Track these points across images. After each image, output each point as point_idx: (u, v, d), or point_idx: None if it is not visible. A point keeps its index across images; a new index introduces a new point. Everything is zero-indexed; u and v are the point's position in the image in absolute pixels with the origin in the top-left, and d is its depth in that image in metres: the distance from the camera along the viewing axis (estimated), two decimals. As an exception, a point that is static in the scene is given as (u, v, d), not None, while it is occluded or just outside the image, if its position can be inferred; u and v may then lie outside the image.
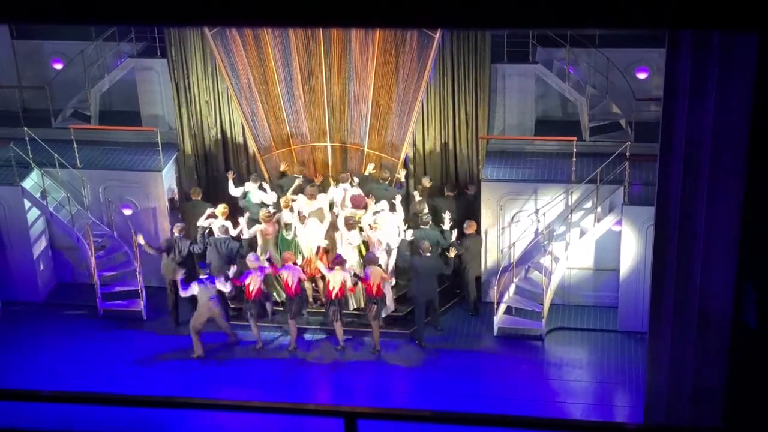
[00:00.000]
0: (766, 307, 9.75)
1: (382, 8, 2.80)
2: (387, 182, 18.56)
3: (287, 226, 17.92)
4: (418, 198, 18.49)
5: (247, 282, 17.04)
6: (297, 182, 18.59)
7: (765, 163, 9.65)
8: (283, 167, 19.01)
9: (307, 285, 17.81)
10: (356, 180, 18.60)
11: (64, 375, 16.99)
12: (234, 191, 18.81)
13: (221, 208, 18.06)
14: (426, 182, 18.68)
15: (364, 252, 17.69)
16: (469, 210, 18.42)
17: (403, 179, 18.87)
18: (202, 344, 17.45)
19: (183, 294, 17.20)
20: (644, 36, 18.04)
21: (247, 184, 18.65)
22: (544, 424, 4.54)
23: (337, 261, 17.07)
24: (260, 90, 18.73)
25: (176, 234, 17.84)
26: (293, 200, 18.07)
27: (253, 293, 17.11)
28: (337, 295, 17.03)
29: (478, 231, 18.08)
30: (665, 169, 11.64)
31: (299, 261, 17.66)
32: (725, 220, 10.62)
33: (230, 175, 18.99)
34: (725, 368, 10.65)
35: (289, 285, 17.08)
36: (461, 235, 17.91)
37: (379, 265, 17.07)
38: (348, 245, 17.59)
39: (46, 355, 17.75)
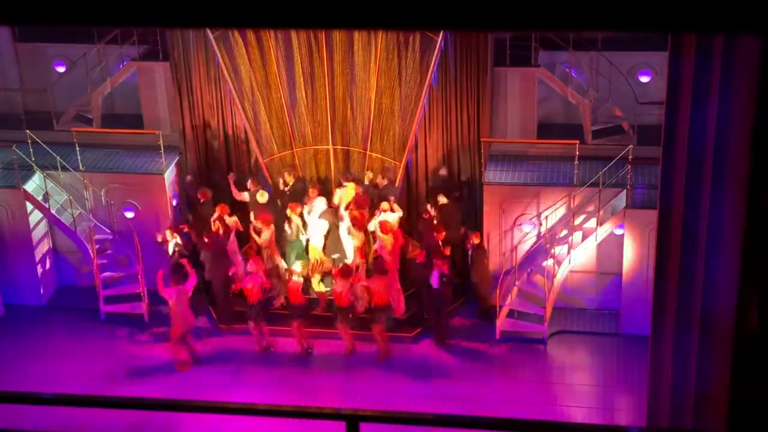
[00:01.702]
0: (769, 311, 9.72)
1: (384, 10, 2.80)
2: (390, 184, 18.58)
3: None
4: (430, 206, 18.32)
5: (249, 286, 17.04)
6: (297, 185, 18.61)
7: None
8: (287, 177, 18.82)
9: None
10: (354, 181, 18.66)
11: (65, 378, 16.98)
12: (237, 195, 18.78)
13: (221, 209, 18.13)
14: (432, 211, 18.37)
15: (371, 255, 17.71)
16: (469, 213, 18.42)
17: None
18: (189, 356, 17.28)
19: (160, 292, 16.68)
20: (647, 39, 18.03)
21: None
22: (546, 428, 4.53)
23: (343, 271, 16.99)
24: (262, 93, 18.72)
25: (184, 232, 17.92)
26: (299, 204, 18.10)
27: (255, 297, 17.12)
28: (343, 302, 16.98)
29: (480, 238, 17.85)
30: (668, 172, 11.62)
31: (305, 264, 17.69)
32: (728, 223, 10.59)
33: (231, 179, 18.94)
34: (728, 372, 10.62)
35: (294, 291, 17.10)
36: (464, 251, 17.84)
37: (386, 272, 17.03)
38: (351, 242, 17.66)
39: (48, 357, 17.74)
